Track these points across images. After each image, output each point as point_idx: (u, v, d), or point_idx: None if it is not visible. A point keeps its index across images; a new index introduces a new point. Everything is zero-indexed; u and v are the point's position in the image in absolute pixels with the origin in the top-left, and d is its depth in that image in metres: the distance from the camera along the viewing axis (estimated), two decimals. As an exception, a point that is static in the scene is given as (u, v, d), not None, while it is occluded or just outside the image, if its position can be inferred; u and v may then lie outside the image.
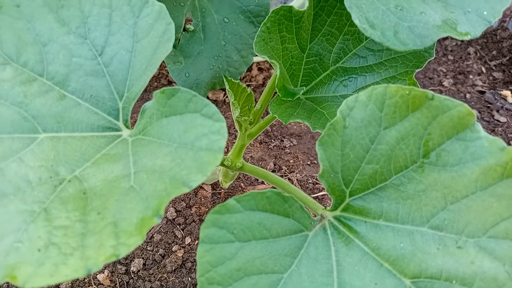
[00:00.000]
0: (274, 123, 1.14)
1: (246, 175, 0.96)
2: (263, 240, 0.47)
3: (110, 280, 0.76)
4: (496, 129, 1.17)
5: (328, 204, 0.91)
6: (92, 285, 0.75)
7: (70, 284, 0.75)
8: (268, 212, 0.47)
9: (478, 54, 1.40)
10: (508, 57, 1.37)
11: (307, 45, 0.63)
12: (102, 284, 0.76)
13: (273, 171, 0.99)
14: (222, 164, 0.68)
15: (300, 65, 0.64)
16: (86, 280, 0.76)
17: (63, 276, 0.38)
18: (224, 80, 0.60)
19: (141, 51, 0.53)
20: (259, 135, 1.08)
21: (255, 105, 0.67)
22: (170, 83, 1.20)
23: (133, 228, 0.41)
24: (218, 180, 0.89)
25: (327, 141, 0.47)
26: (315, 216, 0.53)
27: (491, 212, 0.45)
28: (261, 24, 0.58)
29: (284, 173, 0.99)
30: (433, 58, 0.59)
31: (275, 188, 0.65)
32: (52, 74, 0.54)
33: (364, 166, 0.48)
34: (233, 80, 0.61)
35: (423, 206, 0.48)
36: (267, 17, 0.58)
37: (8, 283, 0.74)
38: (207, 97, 1.13)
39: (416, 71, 0.59)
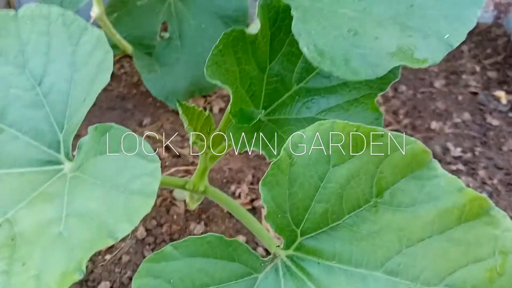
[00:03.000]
0: (256, 131, 1.10)
1: (222, 189, 0.93)
2: (204, 287, 0.44)
3: (76, 305, 0.74)
4: (487, 133, 1.13)
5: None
6: (56, 312, 0.73)
7: (34, 311, 0.73)
8: (210, 258, 0.44)
9: (472, 53, 1.34)
10: (503, 55, 1.32)
11: (267, 65, 0.59)
12: (67, 310, 0.74)
13: (251, 183, 0.96)
14: (183, 187, 0.65)
15: (261, 85, 0.61)
16: (50, 306, 0.74)
17: None
18: (177, 104, 0.57)
19: (79, 81, 0.50)
20: (240, 145, 1.05)
21: (215, 128, 0.63)
22: (148, 90, 1.17)
23: (54, 284, 0.38)
24: (191, 197, 0.86)
25: (271, 181, 0.44)
26: (269, 254, 0.50)
27: (448, 258, 0.41)
28: (213, 48, 0.54)
29: (262, 186, 0.95)
30: (398, 79, 0.55)
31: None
32: (-12, 107, 0.51)
33: (315, 205, 0.45)
34: (187, 105, 0.58)
35: (378, 248, 0.44)
36: (218, 39, 0.54)
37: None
38: (186, 106, 1.09)
39: (379, 94, 0.55)
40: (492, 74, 1.29)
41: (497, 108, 1.20)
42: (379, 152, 0.42)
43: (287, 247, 0.48)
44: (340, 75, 0.44)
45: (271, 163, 0.43)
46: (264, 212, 0.89)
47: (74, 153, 0.49)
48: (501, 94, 1.24)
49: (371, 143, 0.42)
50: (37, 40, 0.51)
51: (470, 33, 1.42)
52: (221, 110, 1.15)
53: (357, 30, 0.46)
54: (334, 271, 0.46)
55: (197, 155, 1.01)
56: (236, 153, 0.55)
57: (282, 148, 0.43)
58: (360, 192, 0.44)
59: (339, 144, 0.42)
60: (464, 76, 1.29)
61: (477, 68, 1.31)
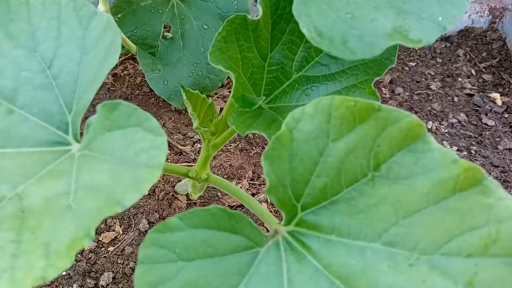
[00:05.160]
0: (256, 130, 1.12)
1: (223, 184, 0.94)
2: (208, 258, 0.45)
3: (78, 295, 0.75)
4: (483, 133, 1.15)
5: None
6: (59, 300, 0.74)
7: (37, 299, 0.74)
8: (213, 229, 0.46)
9: (468, 56, 1.37)
10: (498, 59, 1.34)
11: (268, 53, 0.62)
12: (70, 299, 0.74)
13: (252, 179, 0.98)
14: (186, 175, 0.67)
15: (262, 74, 0.63)
16: (54, 294, 0.75)
17: (-13, 301, 0.37)
18: (182, 90, 0.59)
19: (88, 63, 0.52)
20: (240, 142, 1.07)
21: (217, 115, 0.65)
22: (152, 90, 1.19)
23: (63, 249, 0.40)
24: (193, 190, 0.88)
25: (273, 155, 0.45)
26: (271, 230, 0.51)
27: (444, 228, 0.43)
28: (216, 34, 0.56)
29: (263, 181, 0.97)
30: (394, 65, 0.57)
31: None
32: (0, 89, 0.53)
33: (314, 180, 0.47)
34: (191, 91, 0.60)
35: (375, 221, 0.46)
36: (222, 26, 0.56)
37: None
38: (188, 105, 1.11)
39: (376, 79, 0.57)
40: (487, 77, 1.32)
41: (492, 109, 1.22)
42: (376, 126, 0.44)
43: (288, 222, 0.50)
44: (338, 55, 0.46)
45: (273, 137, 0.45)
46: (264, 205, 0.91)
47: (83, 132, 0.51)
48: (496, 96, 1.26)
49: (368, 118, 0.44)
50: (48, 25, 0.53)
51: (466, 38, 1.45)
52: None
53: (355, 13, 0.48)
54: (333, 244, 0.47)
55: (198, 153, 1.03)
56: (242, 135, 0.56)
57: (283, 123, 0.45)
58: (358, 166, 0.45)
59: (337, 119, 0.44)
60: (460, 79, 1.31)
61: (473, 71, 1.34)
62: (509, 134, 1.15)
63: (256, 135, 1.11)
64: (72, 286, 0.76)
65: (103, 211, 0.41)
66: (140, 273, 0.42)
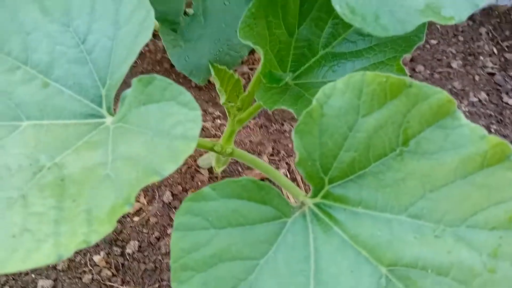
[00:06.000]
0: (276, 107, 1.13)
1: (244, 159, 0.96)
2: (239, 226, 0.47)
3: (106, 262, 0.78)
4: (504, 112, 1.14)
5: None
6: (88, 266, 0.77)
7: (66, 266, 0.77)
8: (244, 200, 0.47)
9: (490, 35, 1.35)
10: (521, 38, 1.32)
11: (295, 30, 0.62)
12: (98, 266, 0.78)
13: (271, 155, 0.99)
14: (212, 149, 0.68)
15: (289, 50, 0.63)
16: (82, 261, 0.78)
17: (34, 262, 0.39)
18: (210, 66, 0.60)
19: (122, 38, 0.53)
20: (260, 119, 1.08)
21: (243, 91, 0.66)
22: (172, 67, 1.20)
23: (105, 216, 0.42)
24: (215, 165, 0.89)
25: (303, 129, 0.47)
26: (297, 202, 0.53)
27: (470, 202, 0.44)
28: (246, 10, 0.57)
29: (282, 157, 0.99)
30: (422, 42, 0.57)
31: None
32: (36, 63, 0.54)
33: (343, 154, 0.48)
34: (219, 67, 0.61)
35: (402, 194, 0.47)
36: (251, 2, 0.57)
37: None
38: (208, 81, 1.13)
39: (404, 56, 0.57)
40: (510, 55, 1.30)
41: (514, 88, 1.21)
42: (407, 102, 0.44)
43: (314, 195, 0.51)
44: (370, 31, 0.46)
45: (304, 111, 0.46)
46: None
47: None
48: (518, 75, 1.25)
49: (400, 94, 0.44)
50: (82, 0, 0.54)
51: (489, 16, 1.43)
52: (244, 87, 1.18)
53: (386, -11, 0.48)
54: (359, 216, 0.49)
55: (219, 129, 1.04)
56: (269, 110, 0.57)
57: (314, 98, 0.46)
58: (386, 141, 0.46)
59: (368, 95, 0.45)
60: (481, 58, 1.30)
61: (495, 50, 1.32)
62: (530, 114, 1.14)
63: (275, 112, 1.12)
64: (100, 254, 0.79)
65: (141, 180, 0.42)
66: (176, 239, 0.44)
